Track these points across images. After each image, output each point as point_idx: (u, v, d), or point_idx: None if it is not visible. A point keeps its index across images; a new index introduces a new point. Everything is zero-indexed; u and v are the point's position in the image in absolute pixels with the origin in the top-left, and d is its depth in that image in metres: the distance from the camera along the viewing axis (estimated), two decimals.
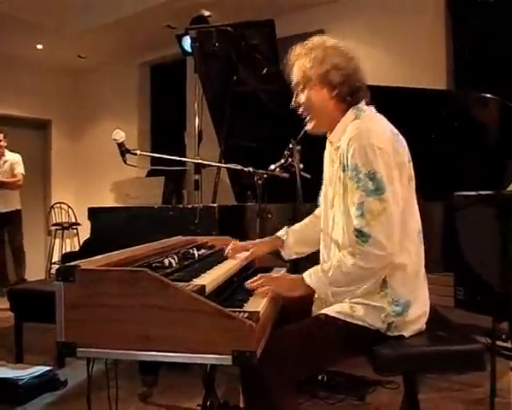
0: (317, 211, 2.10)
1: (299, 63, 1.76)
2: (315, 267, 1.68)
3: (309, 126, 1.82)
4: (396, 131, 1.71)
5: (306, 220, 2.13)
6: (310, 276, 1.66)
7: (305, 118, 1.83)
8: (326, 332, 1.65)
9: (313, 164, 2.58)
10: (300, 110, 1.82)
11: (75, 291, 1.31)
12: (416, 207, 1.74)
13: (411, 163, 1.72)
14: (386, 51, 5.25)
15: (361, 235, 1.59)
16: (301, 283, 1.67)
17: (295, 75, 1.78)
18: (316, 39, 1.77)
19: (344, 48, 1.75)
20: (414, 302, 1.68)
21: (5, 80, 7.43)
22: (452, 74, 5.05)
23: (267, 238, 2.16)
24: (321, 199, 2.01)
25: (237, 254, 2.07)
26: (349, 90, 1.71)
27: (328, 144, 1.91)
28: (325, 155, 1.94)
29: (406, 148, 1.71)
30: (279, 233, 2.11)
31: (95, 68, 8.02)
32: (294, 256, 2.11)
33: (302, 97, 1.78)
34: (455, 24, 5.04)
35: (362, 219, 1.59)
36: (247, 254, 2.06)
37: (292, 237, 2.09)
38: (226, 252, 2.07)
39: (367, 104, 1.78)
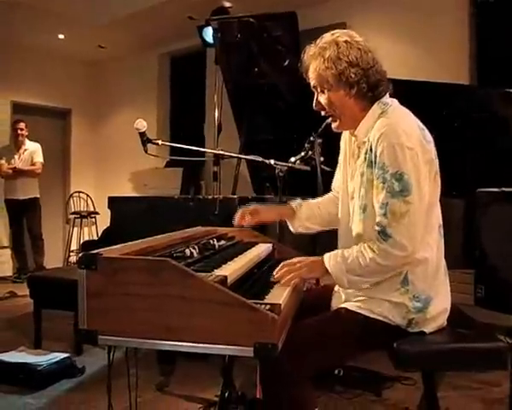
0: (331, 194, 2.07)
1: (314, 65, 1.69)
2: (336, 251, 1.67)
3: (334, 126, 1.78)
4: (422, 125, 1.68)
5: (323, 199, 2.09)
6: (329, 259, 1.65)
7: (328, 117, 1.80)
8: (346, 326, 1.65)
9: (334, 157, 2.57)
10: (323, 112, 1.77)
11: (97, 279, 1.31)
12: (438, 202, 1.72)
13: (437, 159, 1.69)
14: (409, 46, 5.19)
15: (382, 234, 1.57)
16: (320, 264, 1.66)
17: (311, 78, 1.72)
18: (327, 36, 1.69)
19: (358, 41, 1.67)
20: (435, 298, 1.66)
21: (26, 69, 7.52)
22: (475, 71, 4.97)
23: (278, 206, 2.14)
24: (336, 187, 1.99)
25: (243, 219, 2.07)
26: (368, 86, 1.66)
27: (347, 136, 1.87)
28: (342, 146, 1.90)
29: (432, 143, 1.68)
30: (292, 203, 2.07)
31: (115, 58, 8.06)
32: (301, 230, 2.07)
33: (322, 99, 1.73)
34: (479, 20, 4.95)
35: (384, 219, 1.57)
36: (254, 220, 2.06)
37: (305, 210, 2.05)
38: (235, 221, 2.06)
39: (390, 96, 1.74)
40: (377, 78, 1.67)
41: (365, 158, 1.67)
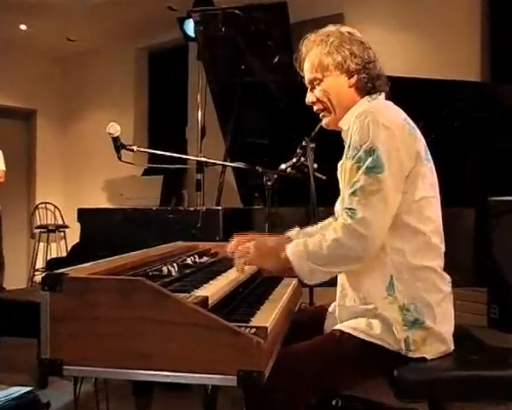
0: (331, 220, 2.11)
1: (315, 51, 1.81)
2: (299, 240, 1.74)
3: (325, 121, 1.87)
4: (413, 124, 1.74)
5: (323, 224, 2.13)
6: (291, 247, 1.70)
7: (319, 114, 1.87)
8: (341, 350, 1.66)
9: (328, 164, 2.59)
10: (315, 107, 1.87)
11: (62, 302, 1.32)
12: (438, 203, 1.76)
13: (432, 163, 1.75)
14: (412, 39, 5.24)
15: (349, 211, 1.62)
16: (282, 254, 1.71)
17: (309, 65, 1.83)
18: (329, 27, 1.85)
19: (360, 37, 1.82)
20: (431, 313, 1.66)
21: None
22: (488, 67, 5.03)
23: (274, 236, 2.17)
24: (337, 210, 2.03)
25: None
26: (368, 78, 1.78)
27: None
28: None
29: (422, 142, 1.73)
30: (289, 233, 2.12)
31: (86, 53, 8.05)
32: None
33: (317, 91, 1.83)
34: (492, 12, 5.01)
35: (353, 198, 1.62)
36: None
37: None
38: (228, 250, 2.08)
39: (386, 98, 1.83)
40: (376, 73, 1.79)
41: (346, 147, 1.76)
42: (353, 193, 1.63)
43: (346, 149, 1.76)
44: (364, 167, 1.62)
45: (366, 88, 1.79)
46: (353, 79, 1.78)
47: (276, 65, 3.67)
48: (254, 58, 3.77)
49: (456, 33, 4.97)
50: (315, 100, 1.85)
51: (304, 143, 2.50)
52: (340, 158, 1.92)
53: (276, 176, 2.46)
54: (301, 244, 1.69)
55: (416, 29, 5.21)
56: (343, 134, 1.84)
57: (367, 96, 1.80)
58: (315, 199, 2.62)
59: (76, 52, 8.09)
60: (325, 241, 1.64)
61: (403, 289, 1.66)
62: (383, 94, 1.82)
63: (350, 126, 1.72)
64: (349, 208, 1.63)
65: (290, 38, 3.68)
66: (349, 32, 1.81)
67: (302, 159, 2.50)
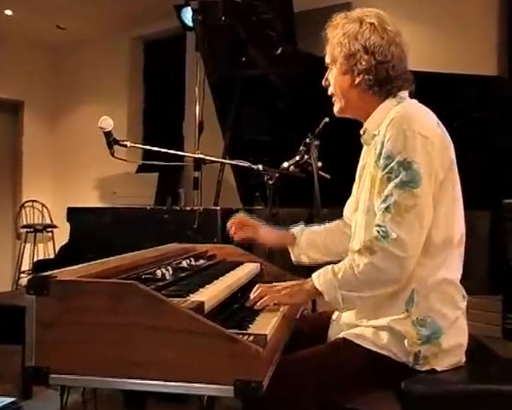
0: (340, 221, 2.13)
1: (332, 35, 1.80)
2: (325, 267, 1.70)
3: (335, 108, 1.87)
4: (443, 126, 1.72)
5: (329, 226, 2.15)
6: (318, 276, 1.68)
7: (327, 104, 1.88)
8: (345, 360, 1.66)
9: (333, 162, 2.60)
10: (329, 91, 1.87)
11: (50, 306, 1.32)
12: (461, 215, 1.76)
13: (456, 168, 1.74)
14: (421, 30, 5.23)
15: (382, 231, 1.59)
16: (305, 286, 1.70)
17: (327, 49, 1.84)
18: (356, 11, 1.80)
19: (386, 29, 1.74)
20: (448, 328, 1.67)
21: None
22: (505, 61, 5.03)
23: (278, 230, 2.19)
24: (348, 213, 2.04)
25: (241, 231, 2.13)
26: (375, 80, 1.74)
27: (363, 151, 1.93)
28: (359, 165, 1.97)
29: (452, 148, 1.72)
30: (294, 229, 2.13)
31: (77, 42, 8.05)
32: (304, 260, 2.13)
33: (330, 77, 1.85)
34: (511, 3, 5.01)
35: (386, 214, 1.60)
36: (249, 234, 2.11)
37: (306, 237, 2.11)
38: (229, 226, 2.10)
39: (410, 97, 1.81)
40: (390, 74, 1.73)
41: (374, 154, 1.71)
42: (386, 209, 1.60)
43: (374, 155, 1.71)
44: (399, 181, 1.59)
45: (371, 90, 1.75)
46: (358, 79, 1.75)
47: (278, 57, 3.66)
48: (256, 49, 3.77)
49: (471, 25, 4.97)
50: (328, 84, 1.86)
51: (308, 140, 2.50)
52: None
53: (277, 175, 2.47)
54: (330, 272, 1.66)
55: (428, 20, 5.21)
56: (366, 136, 1.83)
57: (393, 96, 1.75)
58: (319, 200, 2.62)
59: (66, 41, 8.08)
60: (357, 266, 1.62)
61: (421, 303, 1.66)
62: (406, 92, 1.78)
63: (381, 133, 1.68)
64: (381, 226, 1.60)
65: (294, 29, 3.69)
66: (371, 23, 1.73)
67: (306, 157, 2.51)
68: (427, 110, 1.74)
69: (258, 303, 1.70)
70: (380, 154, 1.66)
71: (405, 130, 1.60)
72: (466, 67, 3.90)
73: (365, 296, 1.65)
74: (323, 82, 1.88)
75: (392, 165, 1.61)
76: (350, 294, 1.64)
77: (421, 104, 1.76)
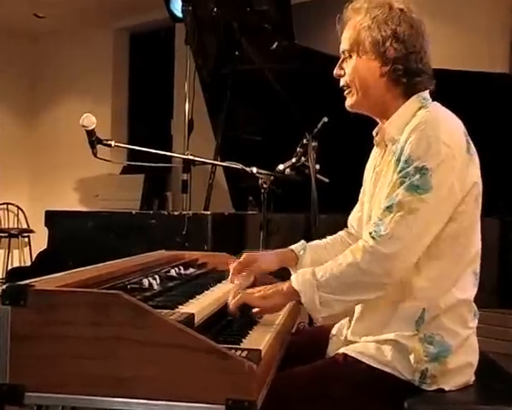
0: (342, 233, 2.12)
1: (355, 20, 1.77)
2: (306, 268, 1.71)
3: (349, 101, 1.84)
4: (468, 137, 1.71)
5: (331, 239, 2.14)
6: (297, 276, 1.68)
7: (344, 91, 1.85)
8: (344, 377, 1.66)
9: (332, 165, 2.60)
10: (342, 82, 1.84)
11: (26, 318, 1.31)
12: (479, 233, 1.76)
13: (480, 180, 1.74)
14: (430, 25, 5.25)
15: (374, 231, 1.60)
16: (284, 286, 1.68)
17: (347, 35, 1.80)
18: None
19: (414, 18, 1.74)
20: (458, 347, 1.67)
21: None
22: None
23: (277, 251, 2.16)
24: (353, 224, 2.05)
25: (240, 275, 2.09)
26: (405, 71, 1.73)
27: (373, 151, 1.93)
28: (367, 168, 1.97)
29: (477, 160, 1.72)
30: (294, 247, 2.10)
31: (57, 32, 8.05)
32: None
33: (348, 65, 1.81)
34: None
35: (386, 213, 1.60)
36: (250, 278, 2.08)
37: (310, 256, 2.08)
38: (229, 280, 2.06)
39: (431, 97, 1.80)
40: (419, 67, 1.74)
41: (394, 161, 1.71)
42: (388, 208, 1.61)
43: (394, 162, 1.71)
44: (409, 183, 1.59)
45: (399, 82, 1.75)
46: (386, 68, 1.73)
47: (274, 51, 3.67)
48: (250, 43, 3.77)
49: (483, 21, 5.00)
50: (343, 74, 1.83)
51: (305, 141, 2.50)
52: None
53: (272, 178, 2.47)
54: (309, 272, 1.66)
55: (439, 15, 5.23)
56: (382, 138, 1.83)
57: (417, 96, 1.75)
58: (316, 205, 2.62)
59: (45, 31, 8.07)
60: (338, 265, 1.62)
61: (431, 322, 1.66)
62: (427, 91, 1.78)
63: (403, 139, 1.68)
64: (376, 224, 1.61)
65: (291, 22, 3.69)
66: (401, 9, 1.73)
67: (303, 159, 2.51)
68: (454, 117, 1.73)
69: (231, 305, 1.67)
70: (398, 159, 1.66)
71: (429, 136, 1.60)
72: (477, 64, 3.93)
73: (345, 300, 1.64)
74: (336, 71, 1.84)
75: (408, 169, 1.61)
76: (328, 296, 1.62)
77: (446, 109, 1.75)
